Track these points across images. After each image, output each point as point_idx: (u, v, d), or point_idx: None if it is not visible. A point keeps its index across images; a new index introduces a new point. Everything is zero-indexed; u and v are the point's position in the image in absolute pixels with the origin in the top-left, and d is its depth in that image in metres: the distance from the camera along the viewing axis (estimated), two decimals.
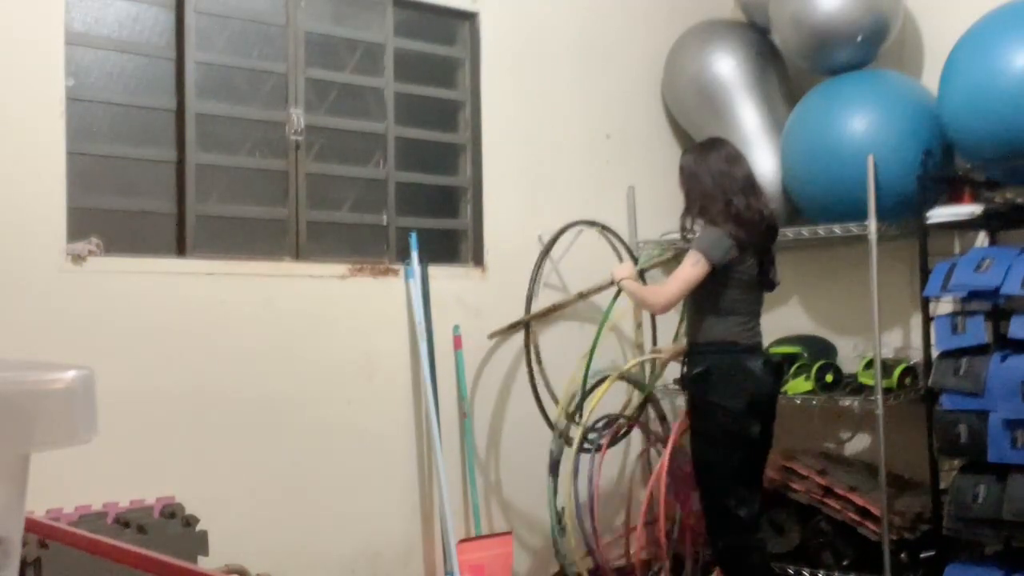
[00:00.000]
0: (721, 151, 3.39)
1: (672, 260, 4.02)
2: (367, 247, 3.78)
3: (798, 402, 3.97)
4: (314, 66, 3.65)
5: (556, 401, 3.94)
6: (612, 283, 3.61)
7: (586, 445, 3.87)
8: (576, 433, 3.78)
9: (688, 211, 3.39)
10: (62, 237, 2.98)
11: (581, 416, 3.79)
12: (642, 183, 4.50)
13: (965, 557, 3.55)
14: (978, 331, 3.43)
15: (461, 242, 4.09)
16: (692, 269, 3.23)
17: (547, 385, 4.00)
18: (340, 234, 3.74)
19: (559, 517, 3.71)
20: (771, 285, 3.40)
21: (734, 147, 3.46)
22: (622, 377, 4.01)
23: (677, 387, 4.09)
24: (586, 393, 3.80)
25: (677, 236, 4.20)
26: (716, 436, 3.25)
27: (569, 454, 3.77)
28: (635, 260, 4.16)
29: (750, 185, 3.34)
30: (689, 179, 3.37)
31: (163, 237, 3.30)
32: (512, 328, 3.97)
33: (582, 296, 4.08)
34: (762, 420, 3.28)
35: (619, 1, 4.52)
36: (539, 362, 4.00)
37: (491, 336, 3.97)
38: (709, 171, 3.33)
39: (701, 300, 3.30)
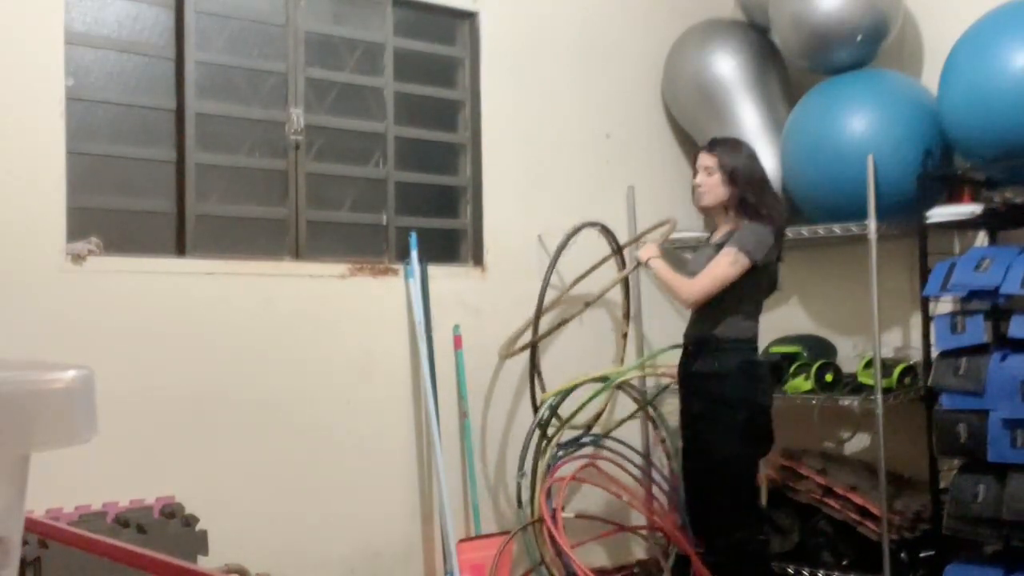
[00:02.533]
0: (751, 149, 3.41)
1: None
2: (367, 247, 3.78)
3: (798, 402, 3.96)
4: (314, 66, 3.65)
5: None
6: (637, 265, 3.56)
7: (563, 442, 3.84)
8: (555, 429, 3.77)
9: (740, 209, 3.26)
10: (62, 237, 2.98)
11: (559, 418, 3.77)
12: (642, 183, 4.49)
13: (965, 557, 3.54)
14: (978, 331, 3.43)
15: (461, 242, 4.09)
16: (730, 268, 3.16)
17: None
18: (340, 234, 3.74)
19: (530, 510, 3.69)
20: (776, 287, 3.41)
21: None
22: (620, 387, 4.00)
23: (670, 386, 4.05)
24: (572, 388, 3.81)
25: (686, 235, 4.21)
26: (742, 430, 3.21)
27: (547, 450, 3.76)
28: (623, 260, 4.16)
29: (770, 184, 3.39)
30: (746, 174, 3.27)
31: (163, 237, 3.30)
32: (521, 349, 3.89)
33: (587, 304, 4.06)
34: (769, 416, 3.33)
35: (619, 1, 4.51)
36: (539, 376, 3.96)
37: (502, 356, 3.93)
38: (756, 168, 3.32)
39: (724, 295, 3.21)
